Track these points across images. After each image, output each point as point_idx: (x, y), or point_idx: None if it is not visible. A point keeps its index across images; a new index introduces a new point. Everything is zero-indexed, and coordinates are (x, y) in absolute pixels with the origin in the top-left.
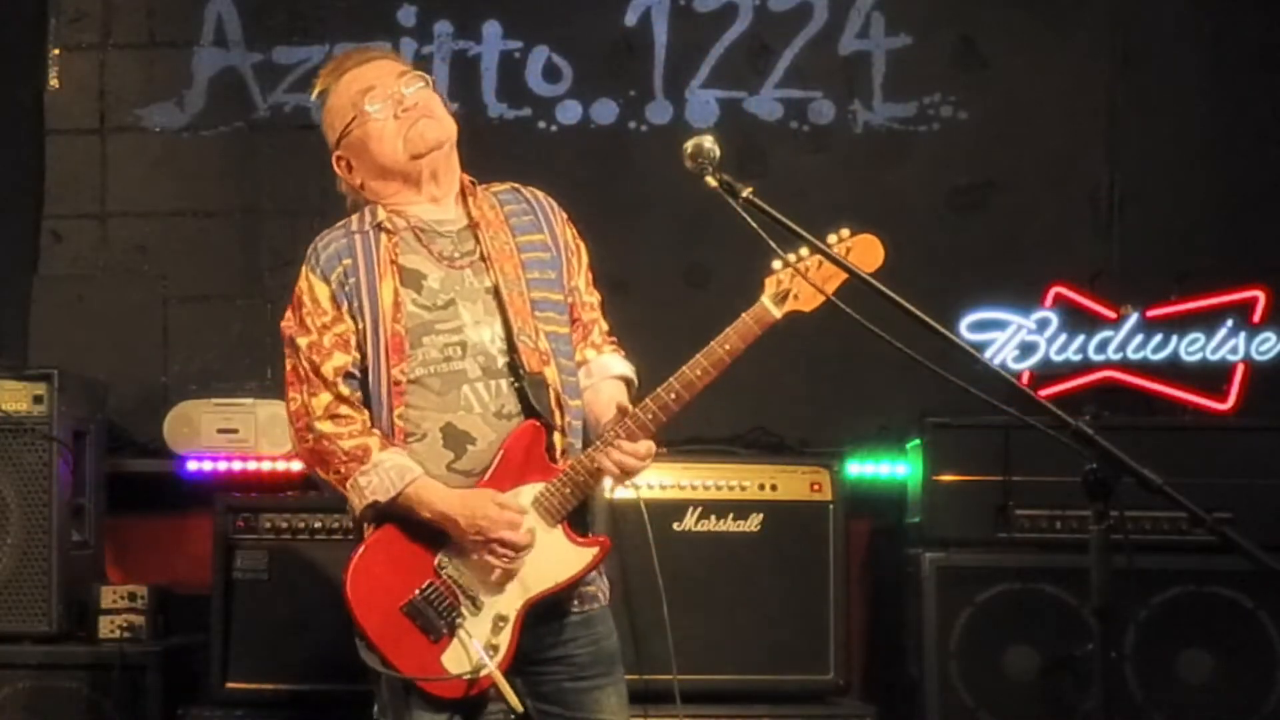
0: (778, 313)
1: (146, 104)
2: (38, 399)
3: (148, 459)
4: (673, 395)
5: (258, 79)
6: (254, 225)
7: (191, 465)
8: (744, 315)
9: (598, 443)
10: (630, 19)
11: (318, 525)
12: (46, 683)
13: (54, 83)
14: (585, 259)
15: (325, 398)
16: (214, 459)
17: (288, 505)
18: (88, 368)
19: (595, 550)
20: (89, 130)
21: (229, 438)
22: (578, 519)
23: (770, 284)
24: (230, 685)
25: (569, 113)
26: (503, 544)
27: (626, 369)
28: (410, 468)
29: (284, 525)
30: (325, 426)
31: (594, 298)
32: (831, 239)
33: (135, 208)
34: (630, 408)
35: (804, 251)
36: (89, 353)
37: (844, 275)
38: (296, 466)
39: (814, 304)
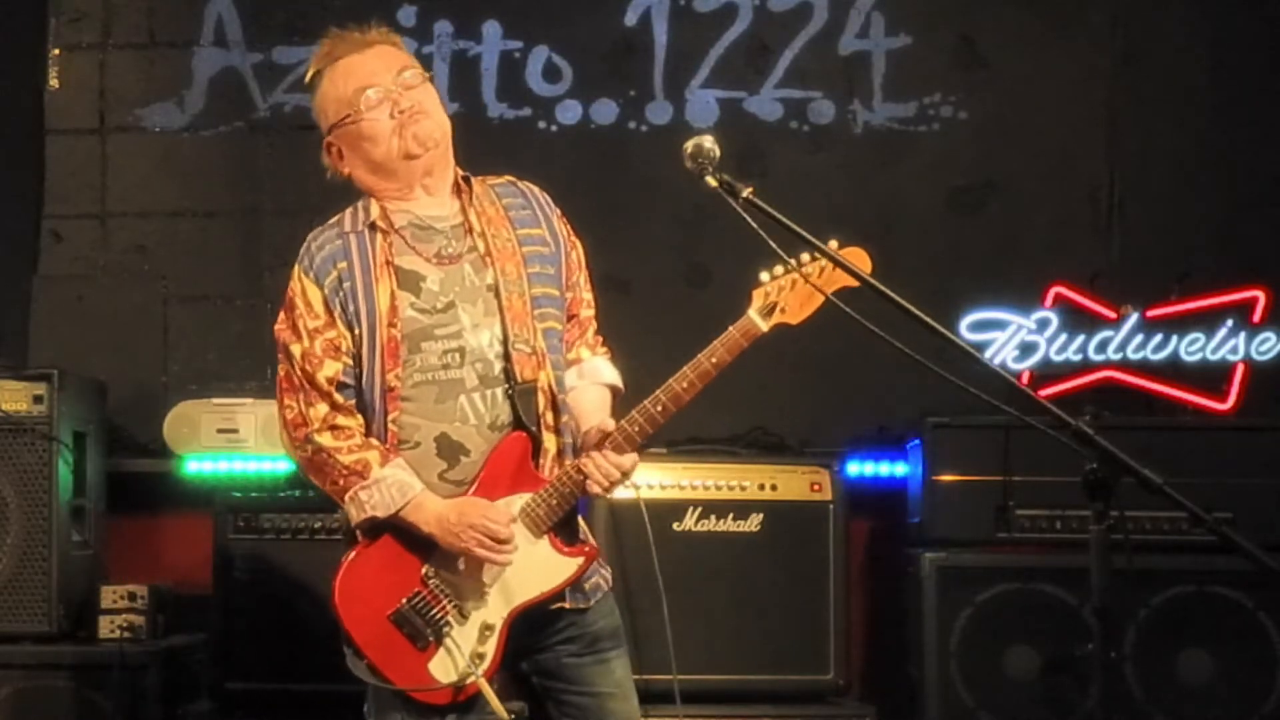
0: (764, 326)
1: (146, 104)
2: (38, 399)
3: (148, 459)
4: (659, 408)
5: (258, 79)
6: (254, 225)
7: (191, 465)
8: (730, 329)
9: (585, 455)
10: (630, 19)
11: (318, 525)
12: (47, 683)
13: (54, 83)
14: (582, 256)
15: (322, 408)
16: (214, 459)
17: (288, 505)
18: (88, 368)
19: (580, 560)
20: (89, 130)
21: (229, 438)
22: (564, 528)
23: (758, 296)
24: (230, 685)
25: (569, 113)
26: (488, 534)
27: (615, 377)
28: (410, 484)
29: (284, 525)
30: (324, 439)
31: (590, 295)
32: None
33: (135, 208)
34: (612, 430)
35: (794, 262)
36: (89, 353)
37: (833, 285)
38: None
39: (800, 317)
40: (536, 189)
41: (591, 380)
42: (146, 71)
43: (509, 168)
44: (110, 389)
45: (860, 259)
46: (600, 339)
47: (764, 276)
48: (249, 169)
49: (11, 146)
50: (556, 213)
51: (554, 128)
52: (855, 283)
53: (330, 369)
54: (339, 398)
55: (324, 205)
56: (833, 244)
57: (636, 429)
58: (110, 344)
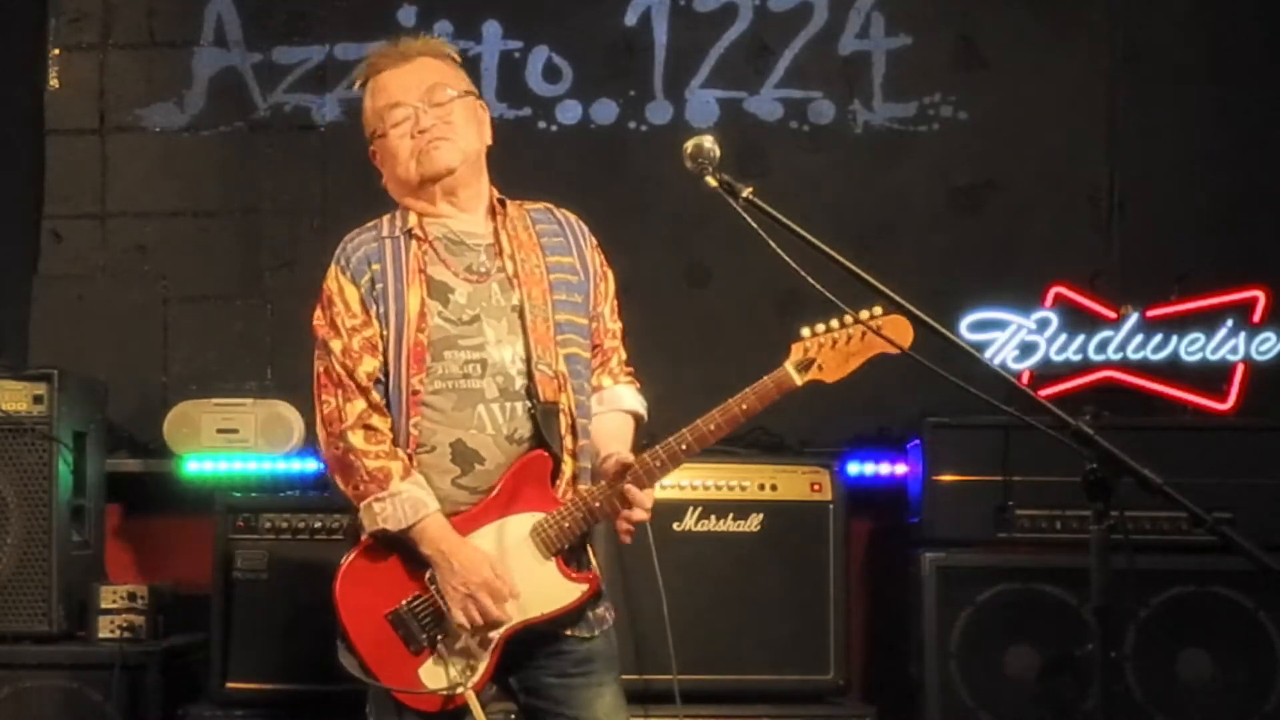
0: (799, 381)
1: (146, 104)
2: (38, 399)
3: (148, 459)
4: (683, 446)
5: (258, 79)
6: (254, 225)
7: (191, 465)
8: (765, 378)
9: (603, 483)
10: (630, 19)
11: (318, 525)
12: (47, 683)
13: (54, 83)
14: (612, 287)
15: (359, 404)
16: (214, 459)
17: (288, 505)
18: (88, 368)
19: (585, 587)
20: (89, 130)
21: (229, 438)
22: (573, 553)
23: (796, 350)
24: (230, 685)
25: (569, 113)
26: (479, 608)
27: (638, 404)
28: (425, 502)
29: (284, 525)
30: (356, 439)
31: (617, 325)
32: (864, 314)
33: (135, 208)
34: (632, 463)
35: (834, 323)
36: (89, 353)
37: (872, 350)
38: (296, 466)
39: (837, 376)
40: (574, 218)
41: (611, 407)
42: (146, 71)
43: (509, 168)
44: (110, 389)
45: (901, 327)
46: (625, 368)
47: (805, 331)
48: (249, 169)
49: (11, 146)
50: (592, 243)
51: (554, 128)
52: (896, 350)
53: (369, 365)
54: (375, 395)
55: (324, 205)
56: (876, 309)
57: (659, 464)
58: (110, 344)
